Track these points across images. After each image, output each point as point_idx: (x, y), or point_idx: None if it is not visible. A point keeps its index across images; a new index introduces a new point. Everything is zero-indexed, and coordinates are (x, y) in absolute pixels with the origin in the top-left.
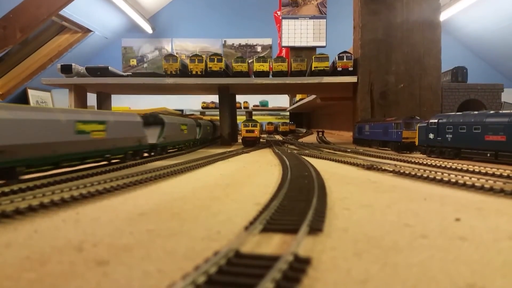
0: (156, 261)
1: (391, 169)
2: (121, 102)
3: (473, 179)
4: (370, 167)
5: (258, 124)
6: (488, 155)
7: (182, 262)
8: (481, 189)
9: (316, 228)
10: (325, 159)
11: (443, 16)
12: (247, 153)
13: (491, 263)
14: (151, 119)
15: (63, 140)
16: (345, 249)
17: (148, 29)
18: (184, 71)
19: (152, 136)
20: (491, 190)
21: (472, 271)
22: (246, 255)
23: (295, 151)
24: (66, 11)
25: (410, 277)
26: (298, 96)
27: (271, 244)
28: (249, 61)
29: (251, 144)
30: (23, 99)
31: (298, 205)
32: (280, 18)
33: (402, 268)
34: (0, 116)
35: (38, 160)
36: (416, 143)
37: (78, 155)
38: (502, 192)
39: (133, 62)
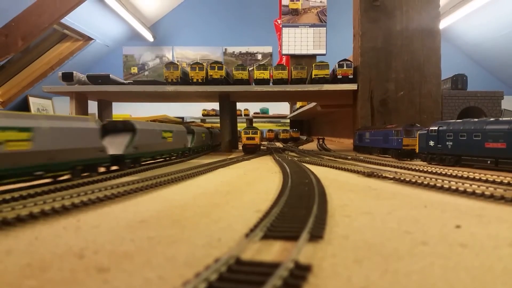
0: (157, 268)
1: (391, 176)
2: (122, 110)
3: (473, 186)
4: (370, 174)
5: (258, 132)
6: (489, 162)
7: (183, 269)
8: (482, 196)
9: (316, 235)
10: (326, 166)
11: (443, 24)
12: (247, 160)
13: (492, 270)
14: (188, 130)
15: (158, 142)
16: (346, 256)
17: (149, 37)
18: (185, 79)
19: (189, 142)
20: (491, 197)
21: (473, 278)
22: (246, 262)
23: (296, 158)
24: (68, 20)
25: (410, 284)
26: (299, 104)
27: (272, 251)
28: (250, 69)
29: (252, 151)
30: (24, 106)
31: (298, 212)
32: (280, 26)
33: (402, 275)
34: (137, 127)
35: (147, 154)
36: (417, 151)
37: (161, 152)
38: (502, 199)
39: (134, 70)
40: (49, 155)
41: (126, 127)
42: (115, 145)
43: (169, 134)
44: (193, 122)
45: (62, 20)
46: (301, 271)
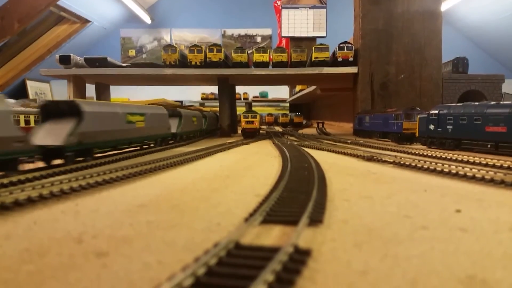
0: (156, 253)
1: (391, 160)
2: (120, 93)
3: (473, 170)
4: (370, 158)
5: (258, 116)
6: (489, 146)
7: (182, 253)
8: (482, 180)
9: (316, 220)
10: (325, 150)
11: (444, 7)
12: (246, 144)
13: (492, 254)
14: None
15: (190, 124)
16: (345, 240)
17: (147, 19)
18: (183, 62)
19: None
20: (491, 181)
21: (473, 262)
22: (246, 246)
23: (295, 143)
24: (65, 1)
25: (410, 268)
26: (298, 87)
27: (271, 235)
28: (249, 52)
29: (251, 135)
30: (22, 90)
31: (298, 196)
32: (280, 8)
33: (402, 259)
34: (182, 113)
35: (188, 133)
36: (417, 134)
37: (194, 132)
38: (502, 184)
39: (132, 52)
40: (151, 130)
41: (174, 113)
42: (171, 126)
43: (193, 119)
44: (191, 106)
45: (59, 2)
46: (300, 256)
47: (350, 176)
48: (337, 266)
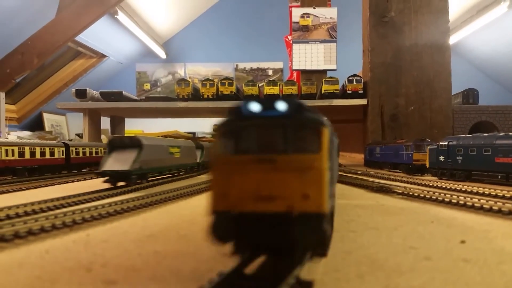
0: (162, 282)
1: (400, 191)
2: (135, 125)
3: (481, 201)
4: (379, 189)
5: None
6: (499, 177)
7: (187, 282)
8: (489, 211)
9: (319, 253)
10: None
11: (454, 39)
12: None
13: (494, 285)
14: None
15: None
16: (348, 271)
17: (162, 54)
18: (196, 95)
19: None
20: (499, 212)
21: None
22: (249, 276)
23: None
24: (82, 37)
25: None
26: None
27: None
28: (260, 85)
29: None
30: (39, 122)
31: None
32: (291, 42)
33: None
34: (204, 145)
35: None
36: (427, 166)
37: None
38: (510, 214)
39: (147, 86)
40: (183, 160)
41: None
42: (192, 157)
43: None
44: (203, 137)
45: (77, 38)
46: (303, 287)
47: (358, 207)
48: None
